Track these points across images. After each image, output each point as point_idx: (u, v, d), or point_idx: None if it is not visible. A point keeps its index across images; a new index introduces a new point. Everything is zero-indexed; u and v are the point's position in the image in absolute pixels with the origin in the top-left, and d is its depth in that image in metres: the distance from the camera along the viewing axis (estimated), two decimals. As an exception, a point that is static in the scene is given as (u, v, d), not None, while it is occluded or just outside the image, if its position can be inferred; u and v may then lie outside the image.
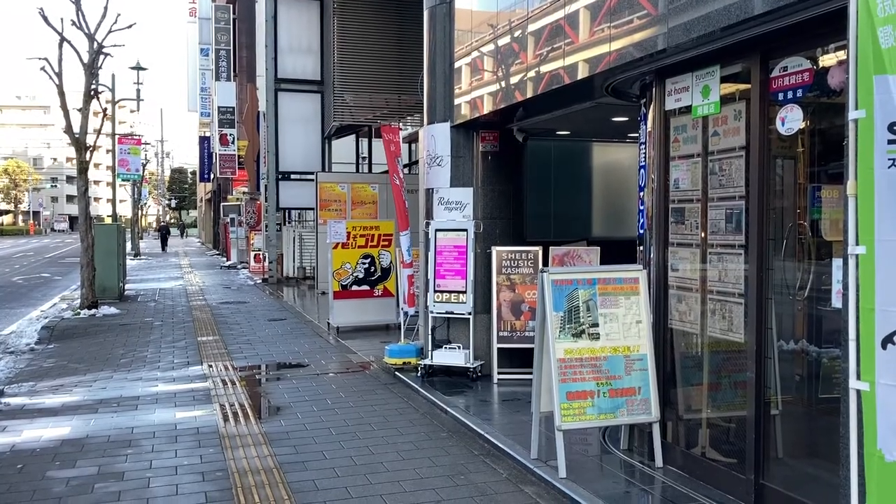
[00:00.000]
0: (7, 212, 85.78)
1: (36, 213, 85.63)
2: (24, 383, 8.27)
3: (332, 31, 16.36)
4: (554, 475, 5.04)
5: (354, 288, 11.51)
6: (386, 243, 11.66)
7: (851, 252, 3.16)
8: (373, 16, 15.94)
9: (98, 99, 16.22)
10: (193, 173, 72.07)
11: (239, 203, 31.12)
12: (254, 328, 12.33)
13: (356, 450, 5.87)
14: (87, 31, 15.22)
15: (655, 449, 5.26)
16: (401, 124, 15.63)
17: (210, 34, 36.67)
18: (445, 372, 8.23)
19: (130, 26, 15.93)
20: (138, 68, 36.27)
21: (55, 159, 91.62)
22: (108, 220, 36.86)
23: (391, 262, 11.56)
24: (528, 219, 9.08)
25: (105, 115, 20.30)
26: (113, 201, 35.93)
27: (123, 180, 33.36)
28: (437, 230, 8.34)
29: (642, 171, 5.68)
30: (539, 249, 8.13)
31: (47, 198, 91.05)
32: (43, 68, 14.50)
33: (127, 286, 18.54)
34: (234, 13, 32.54)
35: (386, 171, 14.22)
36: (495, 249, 8.18)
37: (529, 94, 6.72)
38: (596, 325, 5.23)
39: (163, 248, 42.71)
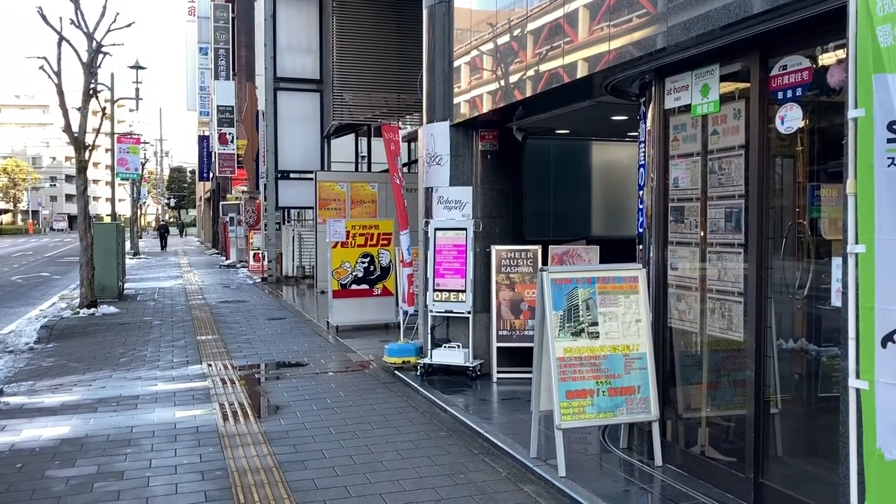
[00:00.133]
0: (6, 211, 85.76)
1: (35, 213, 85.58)
2: (24, 382, 8.27)
3: (331, 29, 16.34)
4: (553, 474, 5.04)
5: (354, 287, 11.51)
6: (385, 242, 11.65)
7: (851, 251, 3.16)
8: (372, 14, 15.92)
9: (97, 98, 16.22)
10: (192, 172, 72.04)
11: (238, 202, 31.16)
12: (253, 327, 12.32)
13: (356, 449, 5.87)
14: (86, 30, 15.23)
15: (655, 448, 5.26)
16: (400, 123, 15.63)
17: (209, 33, 36.64)
18: (445, 371, 8.23)
19: (129, 25, 15.97)
20: (137, 67, 36.30)
21: (54, 158, 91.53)
22: (108, 220, 36.77)
23: (390, 261, 11.56)
24: (527, 218, 9.07)
25: (104, 114, 20.27)
26: (112, 200, 35.91)
27: (122, 179, 33.32)
28: (436, 229, 8.34)
29: (642, 169, 5.68)
30: (538, 248, 8.13)
31: (46, 197, 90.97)
32: (42, 67, 14.50)
33: (126, 285, 18.52)
34: (233, 12, 32.54)
35: (385, 170, 14.24)
36: (495, 248, 8.18)
37: (529, 93, 6.72)
38: (595, 323, 5.23)
39: (162, 248, 42.71)
